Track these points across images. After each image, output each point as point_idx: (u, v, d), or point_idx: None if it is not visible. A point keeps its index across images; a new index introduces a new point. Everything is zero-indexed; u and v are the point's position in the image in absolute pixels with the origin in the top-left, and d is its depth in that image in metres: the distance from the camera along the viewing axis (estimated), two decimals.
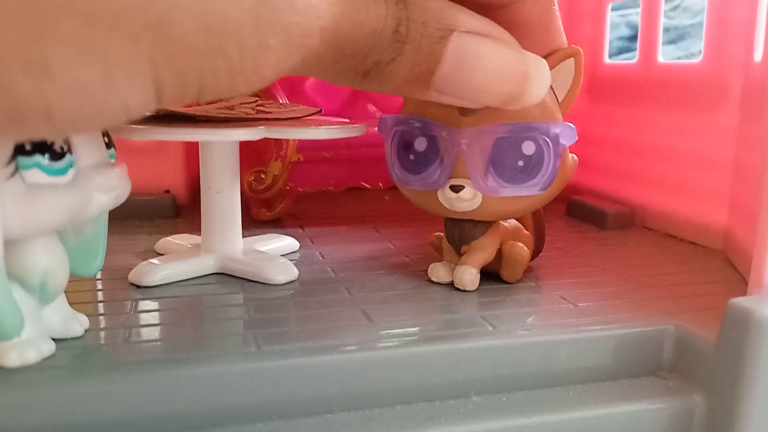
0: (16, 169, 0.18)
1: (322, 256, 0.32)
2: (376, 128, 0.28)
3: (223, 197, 0.29)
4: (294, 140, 0.37)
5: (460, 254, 0.28)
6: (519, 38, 0.24)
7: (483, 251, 0.27)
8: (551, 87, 0.25)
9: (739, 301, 0.21)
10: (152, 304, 0.25)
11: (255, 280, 0.28)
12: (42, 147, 0.18)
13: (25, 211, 0.18)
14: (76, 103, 0.15)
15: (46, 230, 0.19)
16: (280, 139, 0.37)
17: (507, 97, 0.22)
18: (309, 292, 0.27)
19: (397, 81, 0.20)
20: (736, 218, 0.32)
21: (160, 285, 0.27)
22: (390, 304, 0.25)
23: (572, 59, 0.26)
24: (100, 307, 0.25)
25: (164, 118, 0.27)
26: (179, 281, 0.28)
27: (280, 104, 0.33)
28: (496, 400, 0.21)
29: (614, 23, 0.47)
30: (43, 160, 0.18)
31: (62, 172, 0.19)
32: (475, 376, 0.21)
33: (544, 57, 0.24)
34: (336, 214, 0.41)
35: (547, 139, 0.25)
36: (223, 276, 0.28)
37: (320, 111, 0.32)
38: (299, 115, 0.31)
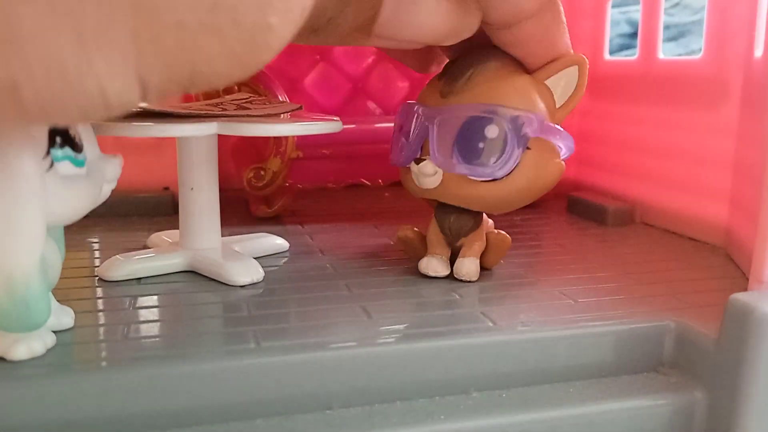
0: (52, 162, 0.18)
1: (321, 252, 0.32)
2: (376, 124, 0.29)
3: (199, 195, 0.29)
4: (293, 137, 0.37)
5: (452, 246, 0.28)
6: (524, 55, 0.25)
7: (481, 241, 0.28)
8: (550, 89, 0.26)
9: (740, 296, 0.21)
10: (150, 300, 0.25)
11: (217, 280, 0.27)
12: (68, 140, 0.19)
13: (61, 201, 0.19)
14: (45, 76, 0.13)
15: (73, 220, 0.20)
16: (280, 136, 0.37)
17: (448, 32, 0.23)
18: (308, 289, 0.26)
19: (342, 33, 0.21)
20: (737, 214, 0.32)
21: (158, 282, 0.27)
22: (389, 300, 0.25)
23: (576, 67, 0.26)
24: (98, 304, 0.25)
25: (142, 114, 0.27)
26: (177, 279, 0.28)
27: (266, 101, 0.33)
28: (496, 396, 0.21)
29: (615, 20, 0.46)
30: (71, 152, 0.19)
31: (83, 164, 0.20)
32: (475, 372, 0.21)
33: (549, 63, 0.25)
34: (335, 210, 0.41)
35: (512, 126, 0.25)
36: None
37: (301, 107, 0.32)
38: (278, 112, 0.30)
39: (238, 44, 0.14)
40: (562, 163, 0.26)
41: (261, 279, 0.27)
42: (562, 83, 0.26)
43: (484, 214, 0.28)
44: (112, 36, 0.13)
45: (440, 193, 0.27)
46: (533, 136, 0.25)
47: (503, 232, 0.28)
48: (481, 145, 0.25)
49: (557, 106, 0.26)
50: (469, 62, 0.26)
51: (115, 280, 0.27)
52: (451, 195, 0.27)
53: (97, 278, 0.27)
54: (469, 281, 0.27)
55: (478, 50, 0.26)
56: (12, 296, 0.18)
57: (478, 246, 0.28)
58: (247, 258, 0.28)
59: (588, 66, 0.26)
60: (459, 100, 0.26)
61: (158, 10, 0.13)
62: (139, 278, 0.27)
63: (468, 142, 0.25)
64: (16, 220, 0.18)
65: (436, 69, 0.29)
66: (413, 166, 0.26)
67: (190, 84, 0.15)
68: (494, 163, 0.25)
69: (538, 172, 0.26)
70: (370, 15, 0.20)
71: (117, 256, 0.28)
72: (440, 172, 0.26)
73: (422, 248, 0.29)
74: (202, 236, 0.29)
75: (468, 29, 0.23)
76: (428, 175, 0.26)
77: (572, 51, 0.26)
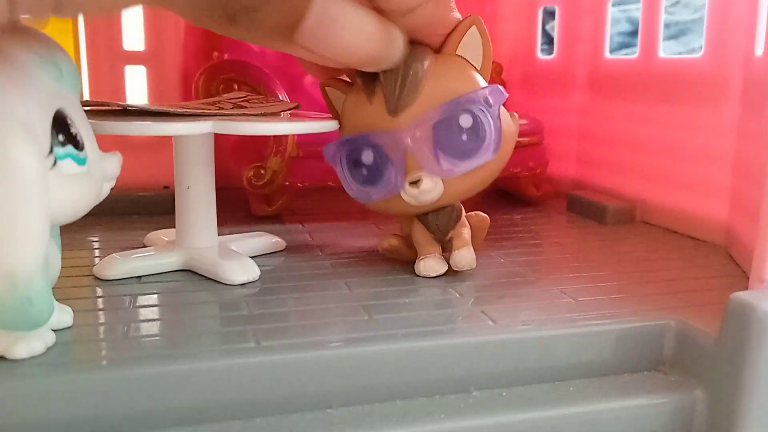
0: (55, 161, 0.19)
1: (321, 251, 0.32)
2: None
3: (194, 193, 0.29)
4: (293, 136, 0.37)
5: (443, 242, 0.28)
6: (424, 37, 0.26)
7: (467, 227, 0.28)
8: (466, 59, 0.27)
9: (740, 295, 0.21)
10: (149, 299, 0.25)
11: (213, 278, 0.27)
12: (70, 138, 0.19)
13: (63, 199, 0.19)
14: None
15: (74, 219, 0.20)
16: (280, 135, 0.37)
17: (369, 57, 0.23)
18: (308, 288, 0.26)
19: (263, 30, 0.21)
20: (737, 213, 0.32)
21: (158, 281, 0.27)
22: (389, 299, 0.25)
23: (474, 27, 0.27)
24: (98, 302, 0.25)
25: (140, 112, 0.27)
26: (178, 278, 0.28)
27: (263, 99, 0.33)
28: (497, 395, 0.21)
29: (615, 18, 0.46)
30: (73, 150, 0.19)
31: (85, 162, 0.20)
32: (476, 371, 0.21)
33: (449, 36, 0.26)
34: (335, 209, 0.41)
35: (480, 106, 0.26)
36: None
37: (298, 106, 0.32)
38: (274, 111, 0.30)
39: None
40: (514, 114, 0.28)
41: (257, 278, 0.27)
42: (471, 47, 0.27)
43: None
44: None
45: (448, 197, 0.27)
46: (498, 103, 0.26)
47: (481, 213, 0.29)
48: (464, 137, 0.26)
49: (478, 69, 0.27)
50: (396, 72, 0.26)
51: (111, 278, 0.27)
52: (457, 193, 0.27)
53: (92, 276, 0.27)
54: (470, 269, 0.28)
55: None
56: (15, 294, 0.18)
57: (467, 233, 0.28)
58: (243, 257, 0.28)
59: (483, 21, 0.27)
60: (417, 111, 0.26)
61: None
62: (139, 277, 0.27)
63: (454, 141, 0.26)
64: (20, 218, 0.18)
65: (336, 79, 0.29)
66: (409, 190, 0.26)
67: (59, 5, 0.15)
68: (487, 142, 0.26)
69: (512, 129, 0.27)
70: (293, 20, 0.20)
71: (113, 254, 0.28)
72: (440, 182, 0.26)
73: (410, 251, 0.29)
74: (199, 235, 0.29)
75: (388, 60, 0.24)
76: (430, 190, 0.26)
77: (458, 16, 0.26)
